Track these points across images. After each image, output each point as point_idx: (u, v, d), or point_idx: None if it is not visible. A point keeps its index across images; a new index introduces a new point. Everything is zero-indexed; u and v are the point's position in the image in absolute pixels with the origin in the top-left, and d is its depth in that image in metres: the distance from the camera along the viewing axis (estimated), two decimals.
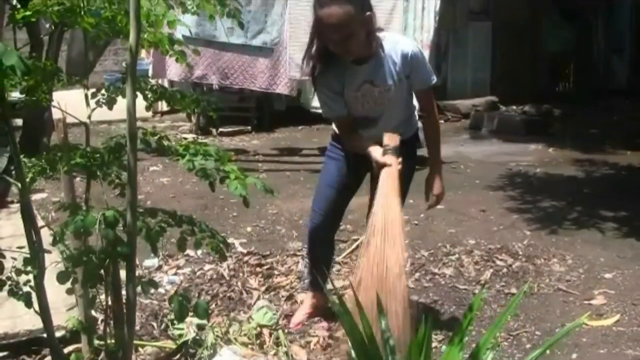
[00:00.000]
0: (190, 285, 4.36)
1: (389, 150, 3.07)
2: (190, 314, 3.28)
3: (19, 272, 1.74)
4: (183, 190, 6.76)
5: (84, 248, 1.70)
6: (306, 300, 3.91)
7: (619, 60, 14.32)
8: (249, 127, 10.76)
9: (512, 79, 13.18)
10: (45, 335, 3.29)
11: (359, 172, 3.49)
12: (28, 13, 1.75)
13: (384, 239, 2.82)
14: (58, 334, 3.31)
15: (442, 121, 11.68)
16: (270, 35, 7.99)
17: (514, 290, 4.28)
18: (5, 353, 3.30)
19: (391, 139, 3.10)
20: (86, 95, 1.93)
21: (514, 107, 12.49)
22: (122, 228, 1.68)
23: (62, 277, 1.71)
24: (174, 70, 8.17)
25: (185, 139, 10.36)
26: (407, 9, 8.31)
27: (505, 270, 4.61)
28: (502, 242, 5.17)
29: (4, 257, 1.64)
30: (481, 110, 12.03)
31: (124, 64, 1.98)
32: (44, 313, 1.75)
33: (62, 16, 1.73)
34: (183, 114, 10.63)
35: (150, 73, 8.18)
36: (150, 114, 11.16)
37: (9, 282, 1.74)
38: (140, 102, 2.16)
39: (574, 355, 3.46)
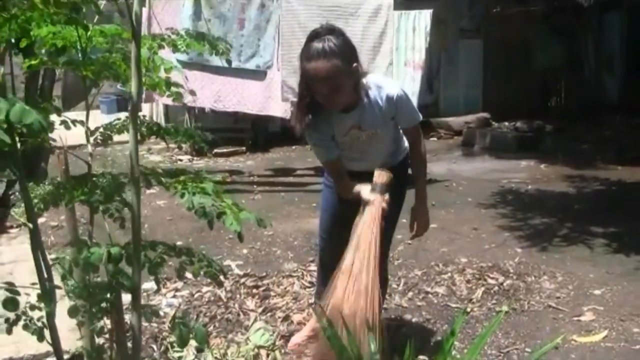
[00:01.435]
0: (188, 307, 4.44)
1: (376, 187, 3.12)
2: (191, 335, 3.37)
3: (32, 307, 1.83)
4: (180, 213, 6.84)
5: (89, 282, 1.79)
6: (309, 323, 3.97)
7: (609, 76, 14.47)
8: (244, 148, 10.92)
9: (503, 96, 13.35)
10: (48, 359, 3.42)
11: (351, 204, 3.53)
12: (34, 62, 1.85)
13: (356, 276, 2.93)
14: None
15: (434, 139, 11.92)
16: (263, 58, 8.12)
17: (505, 308, 4.37)
18: None
19: (380, 177, 3.15)
20: (86, 133, 2.02)
21: (506, 124, 12.61)
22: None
23: (72, 312, 1.80)
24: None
25: (181, 160, 10.55)
26: (398, 30, 8.44)
27: (496, 288, 4.70)
28: (494, 260, 5.26)
29: (19, 294, 1.73)
30: (473, 127, 12.17)
31: (118, 86, 2.07)
32: (56, 344, 1.84)
33: (66, 65, 1.83)
34: None
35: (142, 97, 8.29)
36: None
37: (23, 317, 1.83)
38: None
39: None
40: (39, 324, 1.85)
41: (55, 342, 1.81)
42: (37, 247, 1.69)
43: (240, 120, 10.73)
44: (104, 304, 1.80)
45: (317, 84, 3.01)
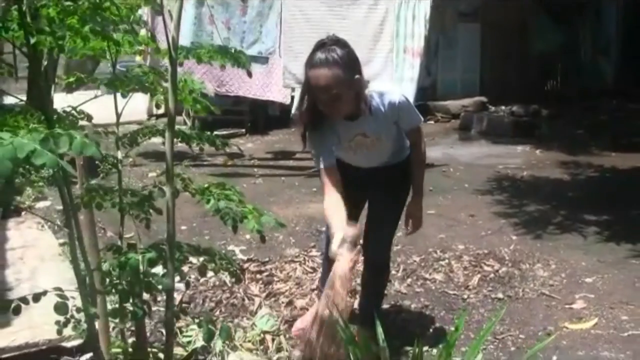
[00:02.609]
0: (194, 292, 4.59)
1: (344, 242, 2.95)
2: (196, 320, 3.54)
3: (79, 310, 1.97)
4: (183, 198, 6.86)
5: (127, 285, 1.93)
6: (312, 308, 4.12)
7: (605, 61, 14.60)
8: (243, 130, 11.01)
9: (501, 80, 13.47)
10: (63, 344, 3.57)
11: (355, 195, 3.57)
12: (72, 79, 2.00)
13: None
14: (74, 342, 3.57)
15: (432, 122, 12.05)
16: (265, 45, 8.25)
17: (500, 295, 4.53)
18: None
19: (349, 231, 3.00)
20: (116, 141, 2.16)
21: (503, 107, 12.75)
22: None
23: (114, 314, 1.95)
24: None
25: (181, 142, 10.68)
26: (398, 18, 8.54)
27: (492, 275, 4.87)
28: (490, 248, 5.43)
29: (67, 299, 1.87)
30: (471, 111, 12.29)
31: (119, 67, 2.17)
32: (95, 344, 1.99)
33: (106, 85, 1.97)
34: (179, 117, 10.85)
35: None
36: (145, 117, 11.44)
37: (72, 320, 1.98)
38: (138, 105, 2.40)
39: (555, 357, 3.71)
40: (84, 325, 1.99)
41: (94, 341, 1.96)
42: (76, 252, 1.83)
43: (240, 103, 10.83)
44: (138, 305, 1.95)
45: (318, 92, 3.13)
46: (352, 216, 3.53)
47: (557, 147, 9.82)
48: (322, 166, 3.35)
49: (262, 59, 8.29)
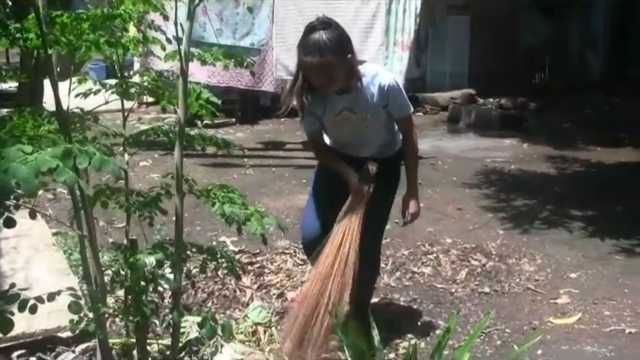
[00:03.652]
0: (187, 283, 4.64)
1: (364, 178, 3.47)
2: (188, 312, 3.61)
3: (90, 308, 2.04)
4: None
5: (131, 281, 2.01)
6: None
7: (593, 55, 14.72)
8: (234, 120, 11.05)
9: (489, 72, 13.54)
10: (59, 334, 3.63)
11: (347, 190, 3.69)
12: (83, 91, 2.08)
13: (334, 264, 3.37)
14: (70, 333, 3.62)
15: (420, 114, 12.13)
16: (257, 36, 8.31)
17: (487, 290, 4.63)
18: (22, 351, 3.52)
19: (371, 169, 3.49)
20: (124, 143, 2.23)
21: (491, 100, 12.86)
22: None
23: (125, 312, 2.03)
24: (160, 65, 8.44)
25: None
26: (389, 12, 8.62)
27: (479, 269, 4.96)
28: (477, 242, 5.53)
29: (80, 298, 1.93)
30: (459, 103, 12.39)
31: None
32: (105, 343, 2.06)
33: (118, 94, 2.05)
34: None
35: (137, 66, 8.46)
36: (135, 105, 11.43)
37: (85, 319, 2.05)
38: None
39: (539, 352, 3.81)
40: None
41: (105, 341, 2.02)
42: (89, 254, 1.89)
43: (230, 92, 10.86)
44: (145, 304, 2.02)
45: (312, 75, 3.27)
46: (337, 207, 3.70)
47: (544, 140, 9.93)
48: (309, 129, 3.63)
49: (255, 51, 8.35)
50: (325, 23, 3.26)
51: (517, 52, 14.36)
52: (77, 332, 3.56)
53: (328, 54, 3.18)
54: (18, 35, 1.79)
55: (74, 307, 1.91)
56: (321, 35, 3.19)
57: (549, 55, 14.88)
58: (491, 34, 13.70)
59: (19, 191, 1.48)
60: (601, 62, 14.63)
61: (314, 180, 3.94)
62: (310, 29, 3.25)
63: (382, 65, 7.93)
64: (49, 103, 2.12)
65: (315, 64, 3.20)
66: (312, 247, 3.70)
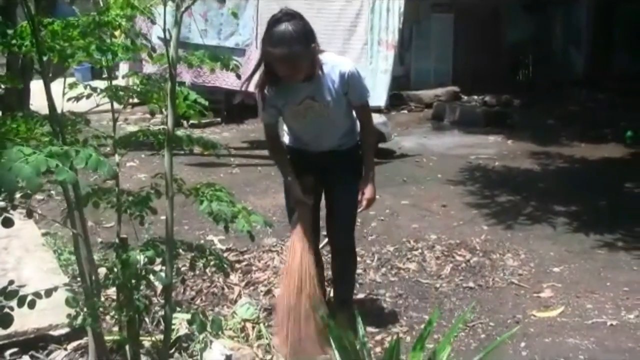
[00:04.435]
0: (175, 281, 4.70)
1: (306, 188, 3.69)
2: (178, 309, 3.67)
3: (85, 304, 2.10)
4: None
5: (124, 278, 2.07)
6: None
7: (576, 51, 14.82)
8: (219, 119, 11.08)
9: (473, 69, 13.62)
10: (51, 332, 3.68)
11: (312, 182, 3.81)
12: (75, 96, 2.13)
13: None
14: (62, 331, 3.67)
15: (405, 111, 12.20)
16: (242, 36, 8.37)
17: (471, 284, 4.71)
18: (15, 349, 3.57)
19: (308, 180, 3.71)
20: (114, 144, 2.28)
21: (475, 97, 12.95)
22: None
23: (119, 308, 2.09)
24: (149, 68, 8.48)
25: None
26: (372, 11, 8.67)
27: (463, 265, 5.04)
28: (462, 238, 5.60)
29: (76, 293, 1.98)
30: (443, 101, 12.46)
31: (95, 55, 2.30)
32: (100, 337, 2.12)
33: (110, 98, 2.10)
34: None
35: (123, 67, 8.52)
36: (121, 106, 11.45)
37: (82, 312, 2.10)
38: None
39: (523, 344, 3.89)
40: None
41: (100, 334, 2.08)
42: (82, 255, 1.95)
43: (216, 92, 10.88)
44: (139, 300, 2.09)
45: (279, 66, 3.35)
46: (315, 205, 3.79)
47: (528, 137, 10.01)
48: (266, 122, 3.72)
49: (239, 51, 8.40)
50: (290, 15, 3.34)
51: (501, 49, 14.44)
52: (74, 326, 3.68)
53: (295, 44, 3.26)
54: (14, 42, 1.84)
55: (71, 302, 1.97)
56: (287, 26, 3.28)
57: (533, 52, 14.95)
58: (475, 31, 13.77)
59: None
60: (585, 58, 14.73)
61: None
62: (275, 21, 3.33)
63: (361, 56, 8.11)
64: (35, 105, 2.19)
65: (284, 55, 3.27)
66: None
